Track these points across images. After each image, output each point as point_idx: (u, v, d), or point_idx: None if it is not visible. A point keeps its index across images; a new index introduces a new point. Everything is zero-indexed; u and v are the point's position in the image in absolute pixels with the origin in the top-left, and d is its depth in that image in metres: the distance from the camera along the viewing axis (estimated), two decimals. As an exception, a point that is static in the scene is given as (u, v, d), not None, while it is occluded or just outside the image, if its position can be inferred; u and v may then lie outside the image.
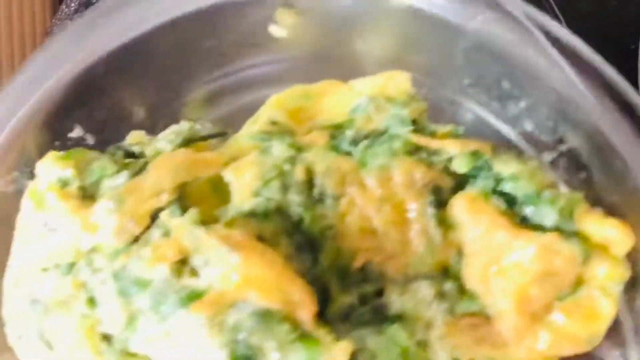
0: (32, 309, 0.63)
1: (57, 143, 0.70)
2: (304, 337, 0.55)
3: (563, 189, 0.62)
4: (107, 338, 0.61)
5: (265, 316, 0.54)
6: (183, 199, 0.61)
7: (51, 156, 0.64)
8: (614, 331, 0.64)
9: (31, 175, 0.65)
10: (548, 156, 0.67)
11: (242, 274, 0.55)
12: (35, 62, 0.68)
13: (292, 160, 0.61)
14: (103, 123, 0.71)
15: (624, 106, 0.61)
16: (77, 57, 0.69)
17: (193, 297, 0.56)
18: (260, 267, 0.55)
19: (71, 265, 0.61)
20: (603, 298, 0.59)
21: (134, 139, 0.68)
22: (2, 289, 0.67)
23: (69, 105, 0.70)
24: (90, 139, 0.72)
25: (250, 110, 0.70)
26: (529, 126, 0.68)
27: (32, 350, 0.65)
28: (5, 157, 0.69)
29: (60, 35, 0.69)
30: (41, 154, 0.64)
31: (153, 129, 0.69)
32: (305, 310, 0.55)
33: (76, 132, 0.71)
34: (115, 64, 0.70)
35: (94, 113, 0.72)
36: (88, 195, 0.62)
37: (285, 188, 0.60)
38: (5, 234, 0.66)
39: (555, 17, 0.69)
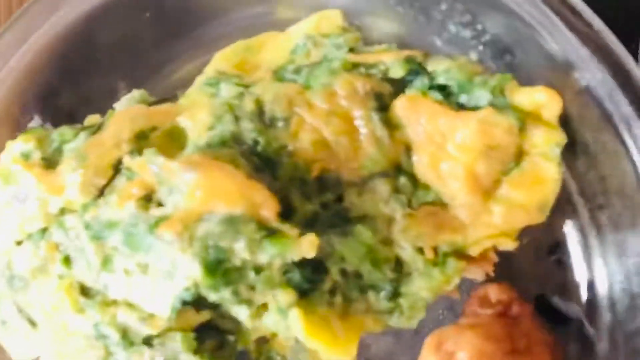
0: (10, 287, 0.65)
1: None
2: (270, 234, 0.57)
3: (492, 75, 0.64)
4: (85, 292, 0.63)
5: (232, 220, 0.56)
6: (142, 147, 0.62)
7: (9, 145, 0.66)
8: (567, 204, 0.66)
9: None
10: (474, 55, 0.68)
11: (204, 188, 0.57)
12: None
13: (240, 96, 0.64)
14: (61, 111, 0.73)
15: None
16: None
17: (160, 221, 0.57)
18: (221, 179, 0.57)
19: (43, 231, 0.63)
20: (545, 162, 0.61)
21: (90, 121, 0.69)
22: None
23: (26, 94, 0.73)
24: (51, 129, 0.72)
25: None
26: (452, 29, 0.69)
27: (17, 332, 0.67)
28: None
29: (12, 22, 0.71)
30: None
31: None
32: (269, 209, 0.57)
33: (35, 122, 0.72)
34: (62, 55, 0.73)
35: (52, 100, 0.73)
36: (52, 163, 0.64)
37: (237, 119, 0.63)
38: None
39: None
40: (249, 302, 0.58)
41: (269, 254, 0.57)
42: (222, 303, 0.59)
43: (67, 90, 0.74)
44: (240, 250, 0.56)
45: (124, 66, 0.76)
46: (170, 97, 0.71)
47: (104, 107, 0.69)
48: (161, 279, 0.59)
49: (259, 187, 0.58)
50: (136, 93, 0.69)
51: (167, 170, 0.59)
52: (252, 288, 0.58)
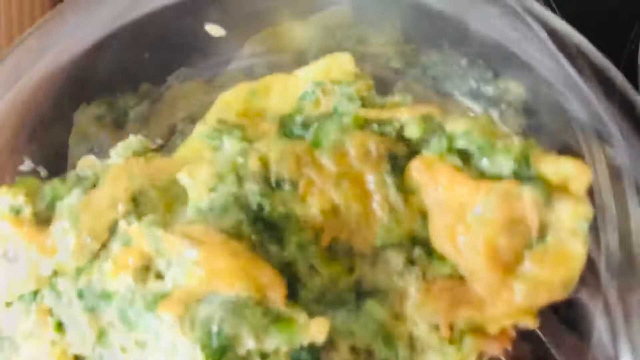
0: (0, 348, 0.63)
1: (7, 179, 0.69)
2: (278, 319, 0.55)
3: (515, 139, 0.62)
4: (80, 361, 0.60)
5: (236, 304, 0.54)
6: (139, 209, 0.61)
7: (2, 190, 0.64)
8: (592, 274, 0.64)
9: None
10: (495, 112, 0.67)
11: (206, 267, 0.55)
12: None
13: (244, 153, 0.61)
14: (53, 152, 0.71)
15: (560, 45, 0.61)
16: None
17: (159, 298, 0.55)
18: (224, 258, 0.55)
19: (35, 294, 0.61)
20: (571, 239, 0.59)
21: (85, 163, 0.67)
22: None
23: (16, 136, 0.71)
24: (43, 171, 0.72)
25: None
26: (472, 84, 0.68)
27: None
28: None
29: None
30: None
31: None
32: (276, 291, 0.55)
33: (26, 165, 0.70)
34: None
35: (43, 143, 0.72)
36: (43, 219, 0.62)
37: (240, 180, 0.60)
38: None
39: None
40: None
41: (276, 341, 0.54)
42: None
43: (59, 127, 0.73)
44: (245, 337, 0.54)
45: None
46: (168, 143, 0.70)
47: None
48: (160, 355, 0.57)
49: (265, 267, 0.56)
50: (134, 139, 0.66)
51: (167, 243, 0.56)
52: None
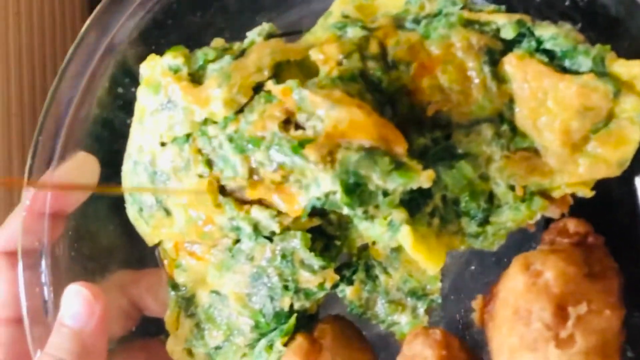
0: (151, 180, 0.66)
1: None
2: (400, 166, 0.58)
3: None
4: (223, 191, 0.64)
5: (370, 151, 0.57)
6: (280, 75, 0.63)
7: (151, 58, 0.66)
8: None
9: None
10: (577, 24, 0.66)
11: (348, 122, 0.58)
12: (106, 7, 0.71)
13: (366, 39, 0.63)
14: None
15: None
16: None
17: (304, 142, 0.58)
18: (361, 115, 0.58)
19: (187, 136, 0.64)
20: (630, 126, 0.61)
21: (217, 43, 0.69)
22: (123, 172, 0.69)
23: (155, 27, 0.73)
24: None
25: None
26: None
27: (151, 219, 0.68)
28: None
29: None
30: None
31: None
32: (400, 146, 0.58)
33: None
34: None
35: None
36: (195, 80, 0.64)
37: (364, 58, 0.62)
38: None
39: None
40: (371, 217, 0.60)
41: (396, 183, 0.58)
42: (348, 215, 0.61)
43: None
44: (375, 178, 0.58)
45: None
46: (295, 31, 0.71)
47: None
48: (298, 188, 0.61)
49: (392, 126, 0.59)
50: (266, 25, 0.69)
51: (312, 102, 0.59)
52: (376, 207, 0.59)
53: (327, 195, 0.59)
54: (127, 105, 0.70)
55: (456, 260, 0.74)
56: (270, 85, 0.61)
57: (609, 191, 0.66)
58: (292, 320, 0.65)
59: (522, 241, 0.68)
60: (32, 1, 0.95)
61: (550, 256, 0.60)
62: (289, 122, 0.60)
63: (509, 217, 0.64)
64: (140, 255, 0.72)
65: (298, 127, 0.60)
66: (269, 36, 0.68)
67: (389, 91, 0.63)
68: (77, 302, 0.63)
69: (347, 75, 0.62)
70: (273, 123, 0.60)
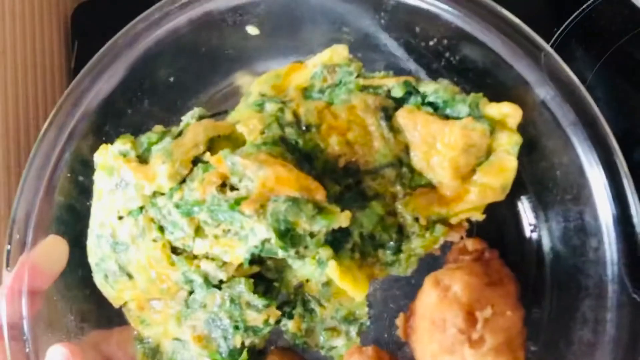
0: (113, 250, 0.70)
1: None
2: (321, 211, 0.63)
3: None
4: (174, 251, 0.68)
5: (295, 200, 0.62)
6: (212, 149, 0.68)
7: (103, 147, 0.71)
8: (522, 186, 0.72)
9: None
10: (454, 79, 0.73)
11: (274, 178, 0.63)
12: (62, 108, 0.76)
13: (281, 110, 0.69)
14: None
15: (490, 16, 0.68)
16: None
17: (239, 200, 0.63)
18: (284, 172, 0.63)
19: (141, 209, 0.68)
20: (507, 156, 0.67)
21: (157, 129, 0.74)
22: (88, 247, 0.73)
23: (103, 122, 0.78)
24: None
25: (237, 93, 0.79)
26: (434, 64, 0.74)
27: (116, 283, 0.72)
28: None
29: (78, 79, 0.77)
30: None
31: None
32: (319, 194, 0.63)
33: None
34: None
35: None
36: (142, 160, 0.70)
37: (281, 126, 0.68)
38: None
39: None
40: (302, 257, 0.64)
41: (320, 225, 0.62)
42: (283, 259, 0.65)
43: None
44: (302, 223, 0.62)
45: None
46: (222, 111, 0.78)
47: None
48: (238, 240, 0.65)
49: (311, 178, 0.64)
50: (197, 109, 0.74)
51: (242, 166, 0.64)
52: (305, 247, 0.64)
53: (263, 243, 0.63)
54: (85, 191, 0.74)
55: (379, 287, 0.79)
56: (206, 156, 0.67)
57: (497, 214, 0.71)
58: (244, 354, 0.69)
59: (431, 265, 0.72)
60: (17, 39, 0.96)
61: (456, 272, 0.65)
62: (224, 186, 0.65)
63: (417, 244, 0.68)
64: (109, 316, 0.76)
65: (233, 188, 0.65)
66: (201, 118, 0.73)
67: (305, 150, 0.68)
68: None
69: (269, 141, 0.67)
70: (211, 187, 0.65)
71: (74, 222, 0.76)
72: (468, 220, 0.69)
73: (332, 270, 0.64)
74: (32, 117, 0.96)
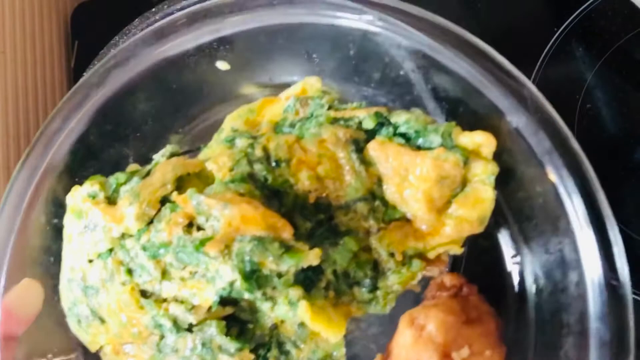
0: (84, 294, 0.67)
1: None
2: (289, 249, 0.59)
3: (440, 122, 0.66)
4: (143, 294, 0.65)
5: (261, 240, 0.59)
6: (181, 187, 0.65)
7: (74, 189, 0.68)
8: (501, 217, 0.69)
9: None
10: (426, 108, 0.70)
11: (238, 218, 0.59)
12: (35, 148, 0.73)
13: (251, 146, 0.65)
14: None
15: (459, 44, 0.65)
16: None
17: (204, 241, 0.59)
18: (249, 211, 0.59)
19: (109, 251, 0.65)
20: (483, 187, 0.63)
21: (131, 168, 0.71)
22: (60, 290, 0.70)
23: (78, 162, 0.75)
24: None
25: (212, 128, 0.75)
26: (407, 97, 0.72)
27: (89, 328, 0.68)
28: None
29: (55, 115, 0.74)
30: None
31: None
32: (286, 232, 0.60)
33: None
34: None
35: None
36: (111, 202, 0.66)
37: (250, 163, 0.64)
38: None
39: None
40: (271, 299, 0.60)
41: (288, 264, 0.59)
42: (253, 300, 0.61)
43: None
44: (268, 263, 0.59)
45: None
46: (193, 149, 0.75)
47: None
48: (205, 282, 0.62)
49: (277, 216, 0.60)
50: (169, 147, 0.71)
51: (208, 205, 0.60)
52: (274, 288, 0.60)
53: (230, 284, 0.60)
54: (60, 232, 0.71)
55: (358, 325, 0.75)
56: (174, 195, 0.63)
57: (478, 246, 0.68)
58: None
59: (414, 301, 0.68)
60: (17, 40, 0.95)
61: (431, 309, 0.61)
62: (191, 226, 0.62)
63: (394, 280, 0.65)
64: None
65: (199, 228, 0.61)
66: (172, 155, 0.70)
67: (274, 186, 0.64)
68: None
69: (237, 178, 0.63)
70: (178, 228, 0.61)
71: (50, 265, 0.72)
72: (447, 254, 0.66)
73: (304, 311, 0.60)
74: (32, 117, 0.95)
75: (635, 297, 0.60)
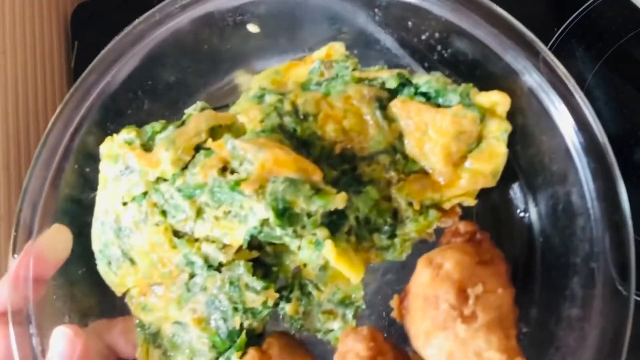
0: (117, 236, 0.68)
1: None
2: (318, 191, 0.62)
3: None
4: (176, 234, 0.67)
5: (292, 182, 0.61)
6: (214, 138, 0.67)
7: (108, 139, 0.71)
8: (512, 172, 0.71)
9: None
10: (446, 71, 0.72)
11: (272, 160, 0.62)
12: (69, 103, 0.75)
13: (280, 101, 0.67)
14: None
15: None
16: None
17: (239, 182, 0.62)
18: (282, 154, 0.62)
19: (144, 194, 0.67)
20: (497, 143, 0.66)
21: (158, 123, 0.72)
22: (92, 234, 0.71)
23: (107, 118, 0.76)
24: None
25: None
26: (427, 58, 0.73)
27: (119, 269, 0.70)
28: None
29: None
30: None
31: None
32: (316, 175, 0.62)
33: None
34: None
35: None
36: (147, 148, 0.68)
37: (280, 116, 0.67)
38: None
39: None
40: (300, 237, 0.63)
41: (317, 205, 0.61)
42: (280, 242, 0.64)
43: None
44: (300, 202, 0.61)
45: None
46: (223, 105, 0.76)
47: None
48: (237, 222, 0.64)
49: (308, 161, 0.63)
50: (199, 103, 0.73)
51: (243, 149, 0.63)
52: (303, 227, 0.62)
53: (262, 223, 0.62)
54: (90, 183, 0.73)
55: (374, 273, 0.77)
56: (208, 142, 0.65)
57: (490, 200, 0.70)
58: (243, 335, 0.67)
59: (426, 251, 0.70)
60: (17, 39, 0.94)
61: (448, 251, 0.63)
62: (225, 170, 0.64)
63: (412, 228, 0.67)
64: (112, 306, 0.74)
65: (233, 172, 0.64)
66: (203, 109, 0.72)
67: (303, 138, 0.67)
68: (61, 341, 0.65)
69: (268, 129, 0.65)
70: (212, 171, 0.63)
71: (78, 213, 0.74)
72: (461, 206, 0.68)
73: (329, 250, 0.62)
74: (32, 117, 0.94)
75: (637, 297, 0.61)
